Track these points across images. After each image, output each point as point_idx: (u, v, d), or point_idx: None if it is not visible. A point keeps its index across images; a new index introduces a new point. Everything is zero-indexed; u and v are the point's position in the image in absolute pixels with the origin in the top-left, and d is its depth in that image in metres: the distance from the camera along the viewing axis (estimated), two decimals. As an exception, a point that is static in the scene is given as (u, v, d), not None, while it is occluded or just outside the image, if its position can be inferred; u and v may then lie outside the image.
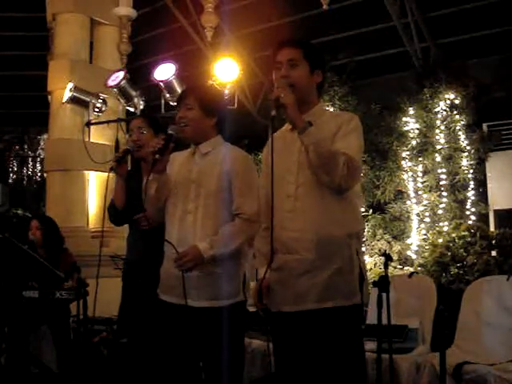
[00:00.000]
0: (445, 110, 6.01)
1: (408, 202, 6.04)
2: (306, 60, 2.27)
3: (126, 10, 6.54)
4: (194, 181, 2.52)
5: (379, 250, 5.68)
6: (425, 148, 6.06)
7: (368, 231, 5.97)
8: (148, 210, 2.61)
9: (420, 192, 6.00)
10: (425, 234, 5.79)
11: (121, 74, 4.86)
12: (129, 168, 3.33)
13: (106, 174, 3.23)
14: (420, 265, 5.38)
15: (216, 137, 2.64)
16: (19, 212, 9.52)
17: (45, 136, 9.79)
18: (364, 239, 5.65)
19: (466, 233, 5.18)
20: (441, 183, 5.91)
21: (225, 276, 2.46)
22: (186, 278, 2.40)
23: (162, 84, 4.50)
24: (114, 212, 3.21)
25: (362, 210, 5.78)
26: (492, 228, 6.04)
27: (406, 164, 6.11)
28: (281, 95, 2.11)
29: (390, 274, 2.65)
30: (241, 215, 2.47)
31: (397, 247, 5.83)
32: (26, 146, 11.34)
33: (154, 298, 2.81)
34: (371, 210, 6.07)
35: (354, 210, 2.25)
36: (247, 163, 2.59)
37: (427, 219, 5.86)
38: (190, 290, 2.41)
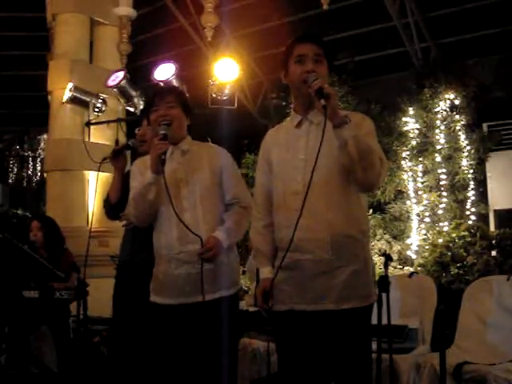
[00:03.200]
0: (445, 110, 6.01)
1: (408, 202, 6.04)
2: (326, 59, 2.25)
3: (126, 9, 6.54)
4: (184, 179, 2.54)
5: (379, 250, 5.68)
6: (425, 148, 6.06)
7: (368, 231, 5.97)
8: (140, 214, 2.59)
9: (420, 192, 6.00)
10: (425, 234, 5.79)
11: (121, 74, 4.87)
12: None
13: (107, 173, 3.24)
14: (420, 265, 5.38)
15: (188, 136, 2.69)
16: (19, 212, 9.51)
17: (45, 136, 9.79)
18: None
19: (466, 233, 5.18)
20: (441, 183, 5.91)
21: (230, 265, 2.55)
22: (195, 274, 2.43)
23: (162, 84, 4.50)
24: (107, 205, 3.23)
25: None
26: (492, 228, 6.04)
27: (405, 164, 6.11)
28: (324, 85, 2.03)
29: (389, 274, 2.65)
30: (240, 203, 2.56)
31: (397, 247, 5.83)
32: (25, 146, 11.32)
33: (145, 298, 2.84)
34: (371, 210, 6.07)
35: (363, 209, 2.23)
36: (231, 157, 2.72)
37: (427, 219, 5.86)
38: (197, 286, 2.43)
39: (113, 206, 3.18)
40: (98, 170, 3.13)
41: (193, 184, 2.52)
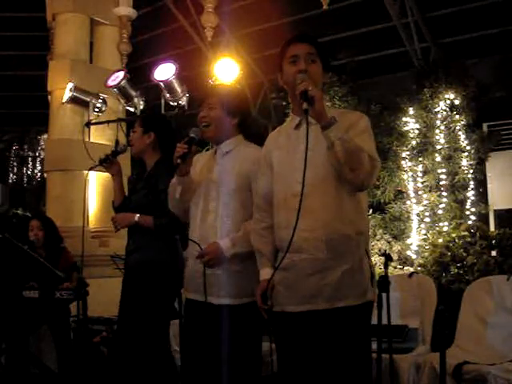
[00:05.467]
0: (445, 110, 6.01)
1: (408, 202, 6.04)
2: (319, 58, 2.27)
3: (126, 9, 6.53)
4: (215, 180, 2.56)
5: (379, 250, 5.68)
6: (425, 148, 6.06)
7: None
8: (174, 211, 2.68)
9: (420, 192, 6.00)
10: (425, 234, 5.79)
11: (121, 74, 4.86)
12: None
13: (107, 174, 3.27)
14: (420, 265, 5.38)
15: (237, 136, 2.66)
16: (19, 212, 9.51)
17: (45, 136, 9.79)
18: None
19: (466, 233, 5.18)
20: (441, 183, 5.91)
21: (246, 274, 2.48)
22: (210, 275, 2.46)
23: (162, 84, 4.50)
24: (113, 210, 3.26)
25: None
26: (492, 228, 6.04)
27: (405, 164, 6.11)
28: (309, 88, 2.05)
29: (389, 274, 2.65)
30: None
31: (397, 247, 5.83)
32: (25, 146, 11.32)
33: (136, 296, 2.85)
34: (371, 210, 6.07)
35: (361, 209, 2.23)
36: None
37: (427, 219, 5.86)
38: (213, 288, 2.46)
39: (116, 210, 3.21)
40: (87, 176, 3.18)
41: (220, 186, 2.54)
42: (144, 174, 3.20)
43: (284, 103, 6.79)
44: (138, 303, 2.96)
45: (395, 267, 5.52)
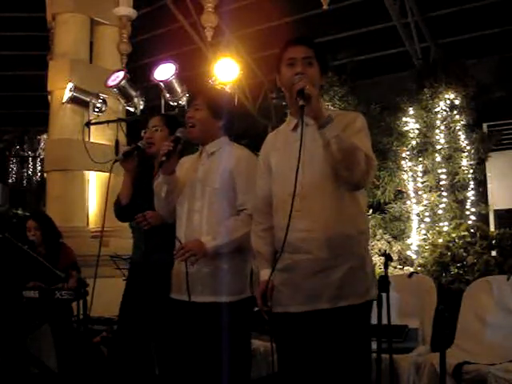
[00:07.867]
0: (445, 110, 6.01)
1: (408, 202, 6.04)
2: (317, 61, 2.27)
3: (126, 9, 6.54)
4: (200, 180, 2.59)
5: (379, 250, 5.68)
6: (425, 148, 6.06)
7: (368, 231, 5.96)
8: (159, 211, 2.69)
9: (420, 192, 6.00)
10: (425, 234, 5.78)
11: (121, 74, 4.87)
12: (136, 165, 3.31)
13: (106, 173, 3.23)
14: (420, 265, 5.38)
15: (222, 137, 2.68)
16: (19, 212, 9.51)
17: (45, 136, 9.79)
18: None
19: (466, 233, 5.18)
20: (441, 183, 5.91)
21: (231, 272, 2.50)
22: (193, 273, 2.47)
23: (161, 84, 4.51)
24: (118, 207, 3.22)
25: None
26: (492, 228, 6.05)
27: (406, 164, 6.11)
28: (306, 86, 2.06)
29: (389, 274, 2.65)
30: (245, 211, 2.52)
31: (397, 247, 5.83)
32: (25, 146, 11.33)
33: (156, 297, 2.84)
34: (371, 210, 6.06)
35: (360, 208, 2.24)
36: (250, 161, 2.61)
37: (427, 219, 5.86)
38: (196, 286, 2.48)
39: (123, 208, 3.17)
40: (110, 172, 3.11)
41: (205, 186, 2.56)
42: (150, 174, 3.15)
43: (284, 103, 6.79)
44: (156, 303, 2.92)
45: (395, 267, 5.52)
